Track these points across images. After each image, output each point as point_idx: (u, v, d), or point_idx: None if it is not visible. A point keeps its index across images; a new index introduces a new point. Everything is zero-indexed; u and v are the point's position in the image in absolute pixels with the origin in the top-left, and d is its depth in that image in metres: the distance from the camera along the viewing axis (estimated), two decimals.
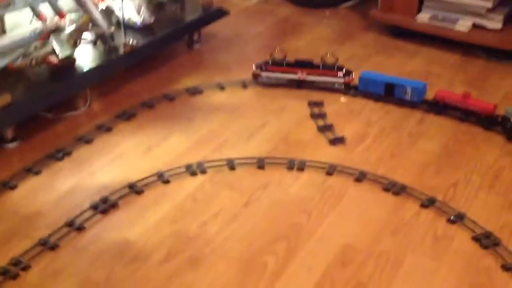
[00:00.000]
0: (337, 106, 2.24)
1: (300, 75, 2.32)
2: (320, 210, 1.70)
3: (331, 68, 2.31)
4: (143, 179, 1.79)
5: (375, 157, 1.94)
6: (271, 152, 1.95)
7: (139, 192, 1.75)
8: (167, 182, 1.80)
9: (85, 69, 2.12)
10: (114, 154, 1.92)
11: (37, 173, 1.81)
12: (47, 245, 1.53)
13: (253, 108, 2.22)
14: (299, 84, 2.33)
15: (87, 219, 1.63)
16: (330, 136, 2.05)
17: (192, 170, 1.84)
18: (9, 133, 1.91)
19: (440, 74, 2.46)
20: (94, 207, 1.67)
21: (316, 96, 2.28)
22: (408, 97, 2.19)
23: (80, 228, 1.60)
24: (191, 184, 1.79)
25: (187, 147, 1.97)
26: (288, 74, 2.32)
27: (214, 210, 1.69)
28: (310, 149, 1.98)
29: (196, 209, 1.69)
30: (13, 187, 1.74)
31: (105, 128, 2.04)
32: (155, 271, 1.47)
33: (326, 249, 1.56)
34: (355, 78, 2.30)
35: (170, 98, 2.24)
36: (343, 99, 2.28)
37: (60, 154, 1.89)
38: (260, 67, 2.33)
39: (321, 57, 2.33)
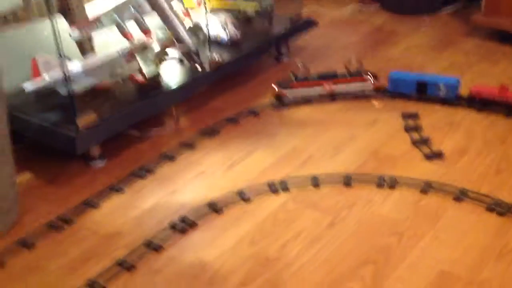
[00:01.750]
0: (434, 117, 2.06)
1: (326, 87, 2.18)
2: (413, 232, 1.54)
3: (357, 75, 2.19)
4: (223, 197, 1.72)
5: (477, 173, 1.75)
6: (359, 168, 1.82)
7: (218, 211, 1.68)
8: (248, 200, 1.71)
9: (171, 87, 2.10)
10: (196, 171, 1.88)
11: (119, 191, 1.80)
12: (124, 266, 1.50)
13: (340, 121, 2.09)
14: (332, 97, 2.21)
15: (165, 239, 1.58)
16: (426, 150, 1.87)
17: (274, 188, 1.75)
18: (96, 151, 1.93)
19: None
20: (173, 226, 1.63)
21: (411, 107, 2.11)
22: (442, 93, 2.09)
23: (157, 248, 1.55)
24: (272, 202, 1.70)
25: (270, 163, 1.88)
26: (313, 87, 2.20)
27: (295, 231, 1.58)
28: (402, 165, 1.82)
29: (277, 230, 1.59)
30: (95, 206, 1.74)
31: (188, 145, 2.01)
32: None
33: (419, 276, 1.40)
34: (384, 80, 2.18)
35: (254, 113, 2.17)
36: (439, 108, 2.09)
37: (143, 171, 1.88)
38: (283, 86, 2.22)
39: (345, 64, 2.22)
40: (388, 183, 1.72)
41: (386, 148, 1.91)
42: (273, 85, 2.22)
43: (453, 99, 2.10)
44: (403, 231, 1.54)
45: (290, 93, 2.22)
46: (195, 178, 1.85)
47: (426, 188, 1.69)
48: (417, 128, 1.99)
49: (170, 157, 1.95)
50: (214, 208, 1.69)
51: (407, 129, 2.00)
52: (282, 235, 1.57)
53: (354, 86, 2.21)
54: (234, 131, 2.09)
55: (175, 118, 2.16)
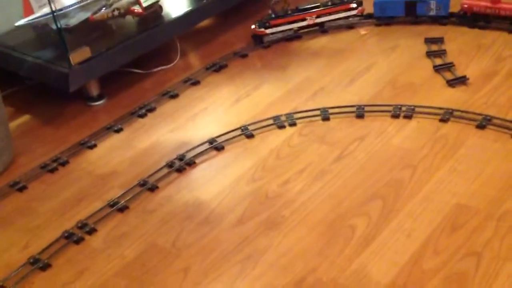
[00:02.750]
0: (460, 41, 1.87)
1: (309, 20, 2.00)
2: (428, 164, 1.39)
3: (340, 3, 2.01)
4: (225, 134, 1.60)
5: (504, 98, 1.57)
6: (374, 98, 1.66)
7: (219, 148, 1.57)
8: (251, 136, 1.59)
9: (172, 17, 1.96)
10: (199, 108, 1.76)
11: (118, 131, 1.71)
12: (116, 207, 1.42)
13: (358, 50, 1.92)
14: (323, 30, 2.03)
15: (161, 179, 1.49)
16: (449, 76, 1.70)
17: (280, 123, 1.62)
18: (94, 91, 1.83)
19: None
20: (170, 165, 1.53)
21: (436, 31, 1.92)
22: (432, 12, 1.94)
23: (152, 188, 1.46)
24: (277, 138, 1.57)
25: (277, 97, 1.75)
26: (296, 23, 2.01)
27: (299, 167, 1.46)
28: (422, 93, 1.65)
29: (279, 166, 1.47)
30: (92, 146, 1.65)
31: (193, 82, 1.88)
32: (227, 234, 1.29)
33: (432, 210, 1.26)
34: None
35: (265, 46, 2.02)
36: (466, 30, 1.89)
37: (143, 110, 1.77)
38: (263, 25, 2.00)
39: None
40: (405, 113, 1.57)
41: (405, 76, 1.74)
42: (252, 26, 2.03)
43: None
44: (417, 164, 1.40)
45: (269, 31, 2.01)
46: (197, 115, 1.73)
47: (447, 116, 1.53)
48: (440, 53, 1.81)
49: (172, 95, 1.83)
50: (214, 145, 1.57)
51: (430, 55, 1.81)
52: (285, 171, 1.45)
53: (337, 16, 2.02)
54: (242, 65, 1.95)
55: (179, 53, 2.02)
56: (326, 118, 1.61)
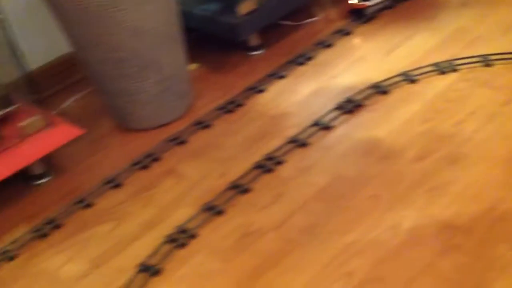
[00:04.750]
0: None
1: None
2: None
3: None
4: (387, 79, 1.70)
5: None
6: None
7: (384, 92, 1.67)
8: (413, 81, 1.68)
9: None
10: (355, 57, 1.86)
11: (281, 77, 1.84)
12: (297, 143, 1.55)
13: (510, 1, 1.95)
14: None
15: (333, 119, 1.61)
16: None
17: (441, 69, 1.69)
18: (255, 41, 1.96)
19: None
20: (339, 107, 1.64)
21: None
22: None
23: (328, 127, 1.58)
24: (440, 83, 1.65)
25: (432, 46, 1.82)
26: None
27: (469, 109, 1.53)
28: None
29: (449, 108, 1.56)
30: (261, 91, 1.79)
31: (344, 32, 1.98)
32: (408, 168, 1.40)
33: None
34: None
35: None
36: None
37: (302, 59, 1.89)
38: None
39: None
40: None
41: None
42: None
43: None
44: None
45: (371, 3, 1.98)
46: (354, 63, 1.83)
47: None
48: None
49: (327, 45, 1.94)
50: (379, 89, 1.67)
51: None
52: (455, 113, 1.53)
53: None
54: (390, 17, 2.02)
55: (325, 6, 2.12)
56: (488, 65, 1.67)
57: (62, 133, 1.52)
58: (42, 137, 1.51)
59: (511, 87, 1.57)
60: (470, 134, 1.45)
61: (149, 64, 1.58)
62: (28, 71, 1.84)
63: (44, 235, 1.42)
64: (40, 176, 1.58)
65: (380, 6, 2.03)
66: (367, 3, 2.00)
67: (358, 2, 2.01)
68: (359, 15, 2.02)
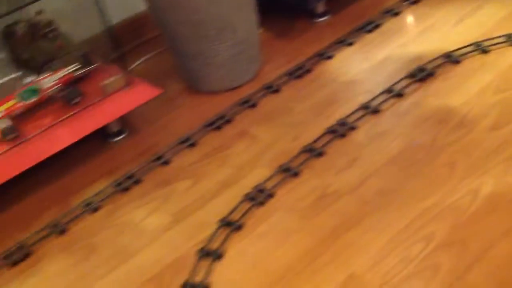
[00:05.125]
0: None
1: None
2: None
3: None
4: (459, 49, 1.69)
5: None
6: None
7: (456, 61, 1.66)
8: (486, 52, 1.67)
9: None
10: (424, 25, 1.85)
11: (349, 44, 1.84)
12: (369, 109, 1.57)
13: None
14: None
15: (405, 87, 1.62)
16: None
17: None
18: (320, 8, 1.97)
19: None
20: (410, 75, 1.65)
21: None
22: None
23: (399, 95, 1.59)
24: None
25: (502, 16, 1.80)
26: None
27: None
28: None
29: None
30: (329, 57, 1.81)
31: (411, 1, 1.97)
32: (485, 137, 1.41)
33: None
34: None
35: None
36: None
37: (369, 26, 1.89)
38: None
39: None
40: None
41: None
42: None
43: None
44: None
45: None
46: (424, 31, 1.83)
47: None
48: None
49: (394, 13, 1.93)
50: (451, 58, 1.67)
51: None
52: None
53: None
54: None
55: None
56: None
57: (140, 93, 1.57)
58: (122, 96, 1.56)
59: None
60: None
61: (225, 28, 1.61)
62: (110, 25, 1.86)
63: (125, 189, 1.48)
64: (117, 134, 1.63)
65: None
66: None
67: None
68: None
